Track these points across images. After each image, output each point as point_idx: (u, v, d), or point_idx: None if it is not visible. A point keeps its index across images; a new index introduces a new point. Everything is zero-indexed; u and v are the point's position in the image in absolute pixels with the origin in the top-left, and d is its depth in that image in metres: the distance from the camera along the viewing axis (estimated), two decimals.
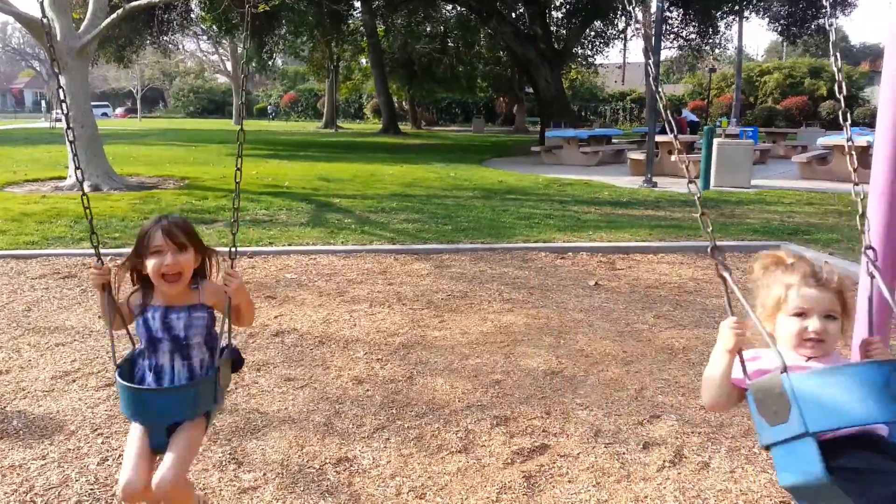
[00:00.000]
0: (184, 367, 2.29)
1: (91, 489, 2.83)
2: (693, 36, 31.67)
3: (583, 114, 46.31)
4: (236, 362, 2.47)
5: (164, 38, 30.49)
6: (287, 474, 2.97)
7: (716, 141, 13.56)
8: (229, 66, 54.82)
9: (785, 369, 1.54)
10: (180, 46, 45.89)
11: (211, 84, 69.39)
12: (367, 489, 2.87)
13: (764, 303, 1.82)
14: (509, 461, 3.10)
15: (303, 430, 3.37)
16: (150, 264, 2.25)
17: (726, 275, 1.75)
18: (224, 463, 3.06)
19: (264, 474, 2.97)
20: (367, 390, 3.86)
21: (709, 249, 1.84)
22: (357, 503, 2.77)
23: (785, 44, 49.20)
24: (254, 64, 32.78)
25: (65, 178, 12.47)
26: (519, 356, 4.39)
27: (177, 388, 2.23)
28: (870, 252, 1.89)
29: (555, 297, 5.69)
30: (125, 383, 2.22)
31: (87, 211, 2.42)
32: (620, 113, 49.56)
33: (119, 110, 64.49)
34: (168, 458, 2.16)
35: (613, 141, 21.79)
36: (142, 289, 2.36)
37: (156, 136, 29.47)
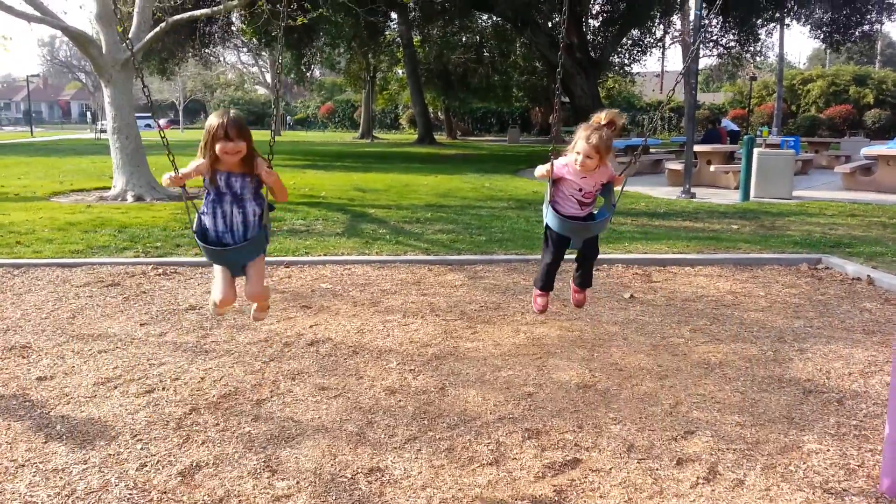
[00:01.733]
0: (240, 214, 3.26)
1: (130, 493, 2.91)
2: (733, 44, 31.23)
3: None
4: (271, 207, 3.44)
5: (206, 50, 31.13)
6: (320, 483, 3.01)
7: (756, 151, 13.35)
8: (269, 77, 55.74)
9: (551, 200, 3.47)
10: (221, 59, 46.79)
11: (251, 95, 70.65)
12: (398, 499, 2.89)
13: (574, 143, 3.29)
14: (540, 475, 3.09)
15: (336, 440, 3.41)
16: (218, 146, 3.15)
17: (552, 158, 3.37)
18: (258, 471, 3.11)
19: (297, 482, 3.01)
20: (400, 401, 3.89)
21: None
22: None
23: (828, 51, 48.22)
24: (292, 75, 33.23)
25: (109, 188, 12.81)
26: (551, 369, 4.38)
27: (245, 245, 3.23)
28: None
29: (589, 310, 5.66)
30: (212, 247, 3.24)
31: (164, 141, 3.51)
32: (658, 122, 49.04)
33: (162, 121, 66.06)
34: (252, 279, 3.34)
35: (651, 151, 21.57)
36: (213, 162, 3.23)
37: (197, 147, 30.05)
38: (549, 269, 3.58)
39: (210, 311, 3.63)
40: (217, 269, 3.35)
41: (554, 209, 3.40)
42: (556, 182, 3.39)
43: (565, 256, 3.76)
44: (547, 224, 3.45)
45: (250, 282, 3.34)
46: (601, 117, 3.33)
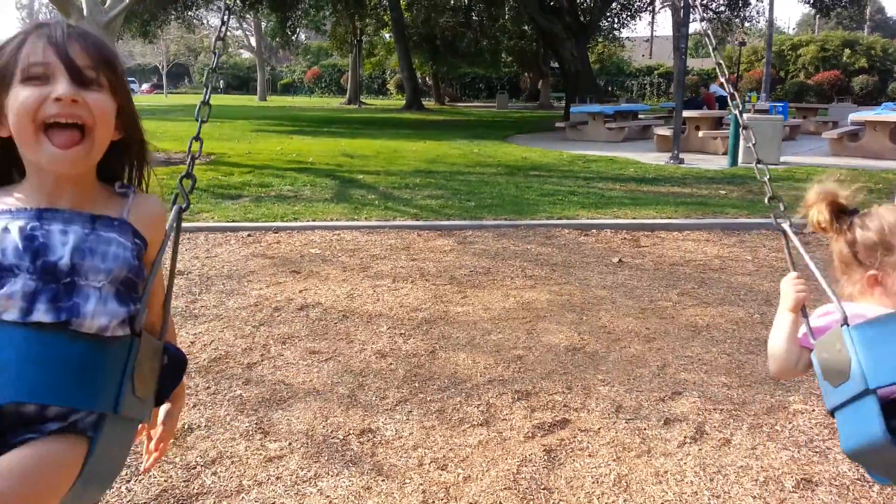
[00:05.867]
0: (67, 247, 1.15)
1: None
2: (723, 8, 31.00)
3: (609, 89, 45.72)
4: (175, 361, 1.34)
5: (189, 13, 30.58)
6: (312, 444, 3.03)
7: (745, 116, 13.33)
8: (253, 41, 54.88)
9: (846, 321, 1.38)
10: (204, 21, 45.94)
11: (235, 59, 69.56)
12: (389, 459, 2.92)
13: (870, 256, 1.56)
14: (530, 435, 3.13)
15: (327, 402, 3.43)
16: (21, 99, 1.13)
17: (786, 226, 1.69)
18: (250, 432, 3.12)
19: (290, 444, 3.04)
20: (390, 364, 3.91)
21: (766, 199, 1.80)
22: (380, 473, 2.82)
23: (817, 17, 48.00)
24: (277, 39, 32.74)
25: None
26: (541, 332, 4.41)
27: (70, 332, 1.12)
28: None
29: (578, 274, 5.68)
30: None
31: None
32: (647, 88, 48.81)
33: (145, 86, 65.03)
34: None
35: (640, 116, 21.49)
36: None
37: (181, 111, 29.67)
38: None
39: None
40: None
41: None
42: None
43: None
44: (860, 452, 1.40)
45: None
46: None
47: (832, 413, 1.42)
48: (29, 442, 1.07)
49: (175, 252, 1.35)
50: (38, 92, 1.12)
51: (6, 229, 1.12)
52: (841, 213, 1.62)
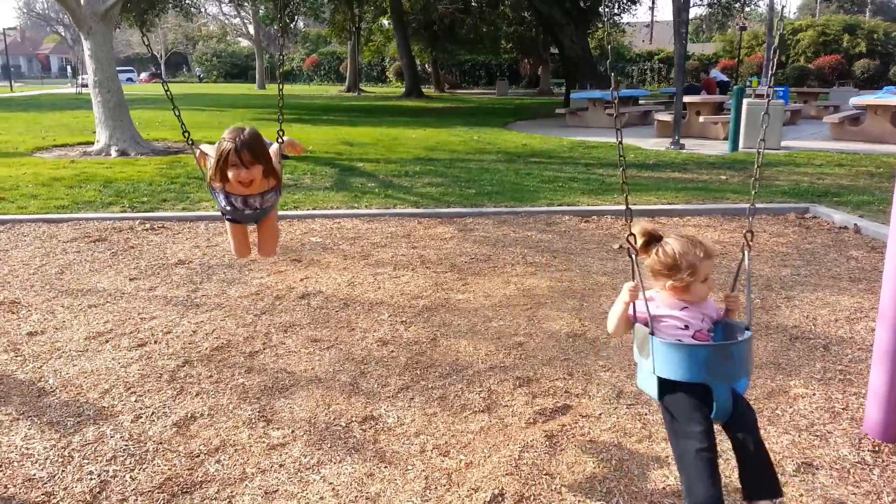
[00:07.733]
0: (258, 206, 3.24)
1: (125, 445, 2.93)
2: None
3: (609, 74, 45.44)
4: (284, 156, 3.47)
5: (186, 1, 30.39)
6: (314, 431, 3.05)
7: (745, 101, 13.28)
8: (251, 29, 54.57)
9: (652, 332, 2.20)
10: (202, 10, 45.71)
11: (234, 48, 69.24)
12: (391, 446, 2.93)
13: (664, 261, 2.30)
14: (531, 421, 3.14)
15: (329, 390, 3.44)
16: (229, 174, 2.98)
17: (633, 256, 2.33)
18: (253, 421, 3.14)
19: (292, 431, 3.05)
20: (392, 351, 3.92)
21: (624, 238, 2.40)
22: (382, 460, 2.83)
23: (818, 0, 47.68)
24: (275, 26, 32.56)
25: (92, 143, 12.60)
26: (542, 319, 4.42)
27: (257, 212, 3.28)
28: None
29: (578, 261, 5.68)
30: (227, 217, 3.38)
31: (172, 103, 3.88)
32: (648, 73, 48.56)
33: (143, 75, 64.72)
34: (265, 235, 3.50)
35: (640, 102, 21.40)
36: (222, 181, 3.06)
37: (180, 100, 29.48)
38: (712, 461, 2.02)
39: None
40: (231, 227, 3.42)
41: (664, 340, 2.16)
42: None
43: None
44: (661, 382, 2.16)
45: (261, 240, 3.50)
46: (640, 234, 2.37)
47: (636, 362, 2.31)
48: (269, 212, 3.39)
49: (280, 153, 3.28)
50: (235, 172, 2.96)
51: (236, 199, 3.17)
52: (651, 241, 2.33)
